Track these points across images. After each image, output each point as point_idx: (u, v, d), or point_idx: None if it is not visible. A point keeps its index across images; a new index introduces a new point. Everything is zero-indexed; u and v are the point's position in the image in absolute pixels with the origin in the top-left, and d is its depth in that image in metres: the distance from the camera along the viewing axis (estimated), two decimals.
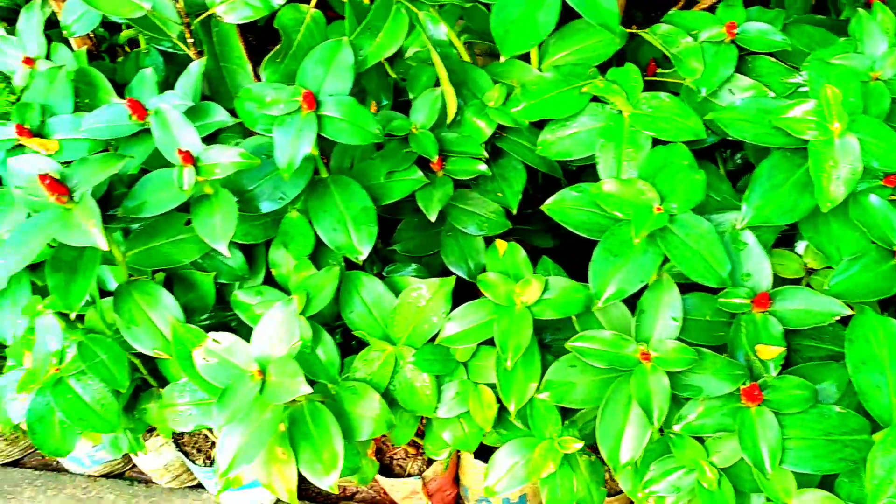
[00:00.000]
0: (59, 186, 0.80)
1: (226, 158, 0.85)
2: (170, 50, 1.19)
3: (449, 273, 1.10)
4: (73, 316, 0.91)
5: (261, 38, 1.42)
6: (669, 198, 0.85)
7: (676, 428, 0.86)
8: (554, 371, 0.89)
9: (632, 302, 0.89)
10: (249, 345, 0.84)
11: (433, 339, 0.97)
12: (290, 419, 0.89)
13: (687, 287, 0.89)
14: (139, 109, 0.94)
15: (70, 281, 0.85)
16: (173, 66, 1.20)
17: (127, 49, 1.31)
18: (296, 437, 0.88)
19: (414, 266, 1.09)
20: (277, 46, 0.98)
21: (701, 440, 0.88)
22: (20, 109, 0.98)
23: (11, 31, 1.27)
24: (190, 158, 0.85)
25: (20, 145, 0.96)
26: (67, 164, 0.85)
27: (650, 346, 0.85)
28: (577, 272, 0.95)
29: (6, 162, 0.96)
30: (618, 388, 0.87)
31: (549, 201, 0.88)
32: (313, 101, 0.89)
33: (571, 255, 1.18)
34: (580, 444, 0.95)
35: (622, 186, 0.86)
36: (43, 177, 0.79)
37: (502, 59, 0.87)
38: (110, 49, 1.28)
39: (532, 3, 0.89)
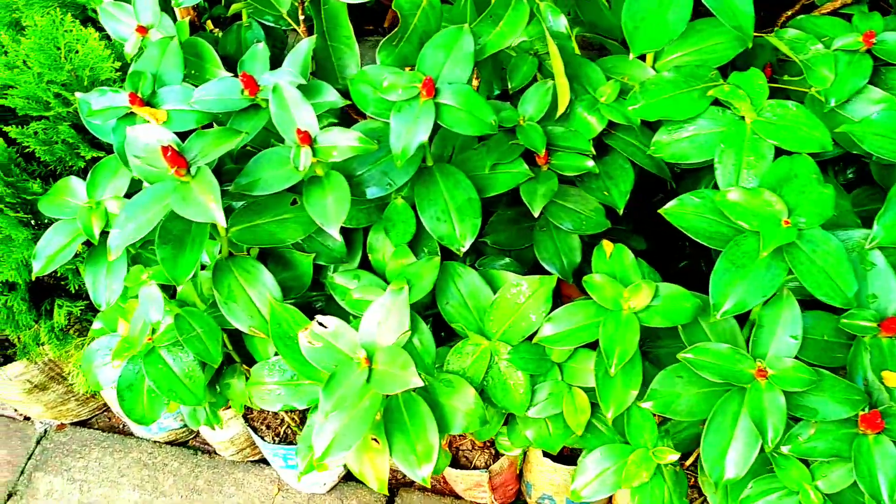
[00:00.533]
0: (180, 159, 0.79)
1: (344, 141, 0.84)
2: (271, 24, 1.18)
3: (540, 268, 1.08)
4: (180, 288, 0.91)
5: (357, 17, 1.41)
6: (796, 211, 0.82)
7: (784, 449, 0.83)
8: (660, 381, 0.87)
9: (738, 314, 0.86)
10: (356, 331, 0.83)
11: (530, 337, 0.95)
12: (384, 408, 0.88)
13: (804, 304, 0.86)
14: (252, 85, 0.93)
15: (178, 254, 0.84)
16: (269, 41, 1.19)
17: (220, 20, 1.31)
18: (390, 426, 0.88)
19: (507, 260, 1.08)
20: (395, 30, 0.96)
21: (807, 463, 0.85)
22: (133, 78, 0.97)
23: None
24: (308, 139, 0.84)
25: (131, 113, 0.96)
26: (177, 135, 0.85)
27: (766, 362, 0.82)
28: (666, 278, 0.93)
29: (117, 129, 0.97)
30: (727, 403, 0.84)
31: (668, 206, 0.85)
32: (433, 88, 0.87)
33: (661, 258, 1.15)
34: (676, 456, 0.92)
35: (748, 196, 0.82)
36: (165, 148, 0.79)
37: (631, 56, 0.84)
38: (212, 21, 1.28)
39: (664, 0, 0.86)
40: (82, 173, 1.19)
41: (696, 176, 1.12)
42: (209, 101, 0.94)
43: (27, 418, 1.67)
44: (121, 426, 1.65)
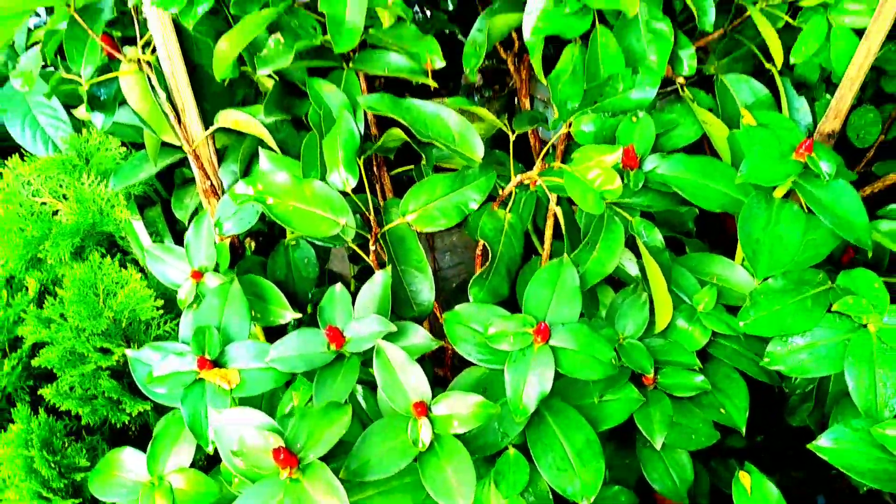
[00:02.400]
0: (292, 458, 0.69)
1: (464, 409, 0.75)
2: (318, 242, 1.11)
3: (646, 486, 0.99)
4: None
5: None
6: None
7: None
8: None
9: None
10: None
11: None
12: None
13: None
14: (338, 338, 0.85)
15: None
16: (318, 254, 1.12)
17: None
18: None
19: (615, 488, 0.98)
20: (485, 266, 0.90)
21: None
22: (197, 336, 0.88)
23: (146, 217, 1.21)
24: (424, 410, 0.75)
25: (200, 378, 0.86)
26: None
27: None
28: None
29: (187, 399, 0.86)
30: None
31: (821, 441, 0.78)
32: (547, 333, 0.80)
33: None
34: None
35: None
36: (277, 451, 0.68)
37: (756, 282, 0.79)
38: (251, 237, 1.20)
39: (778, 223, 0.83)
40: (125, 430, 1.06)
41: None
42: (289, 358, 0.85)
43: None
44: None
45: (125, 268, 1.10)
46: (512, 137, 1.03)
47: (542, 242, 1.07)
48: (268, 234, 1.21)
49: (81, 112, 1.11)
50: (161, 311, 1.06)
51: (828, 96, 1.11)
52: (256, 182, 0.89)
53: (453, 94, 1.28)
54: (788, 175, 0.83)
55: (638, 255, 0.94)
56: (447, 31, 1.14)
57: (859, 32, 0.91)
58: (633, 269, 0.97)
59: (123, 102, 1.04)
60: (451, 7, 1.08)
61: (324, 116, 0.94)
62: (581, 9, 0.89)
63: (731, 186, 0.89)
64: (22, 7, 0.91)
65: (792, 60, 0.94)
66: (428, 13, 1.13)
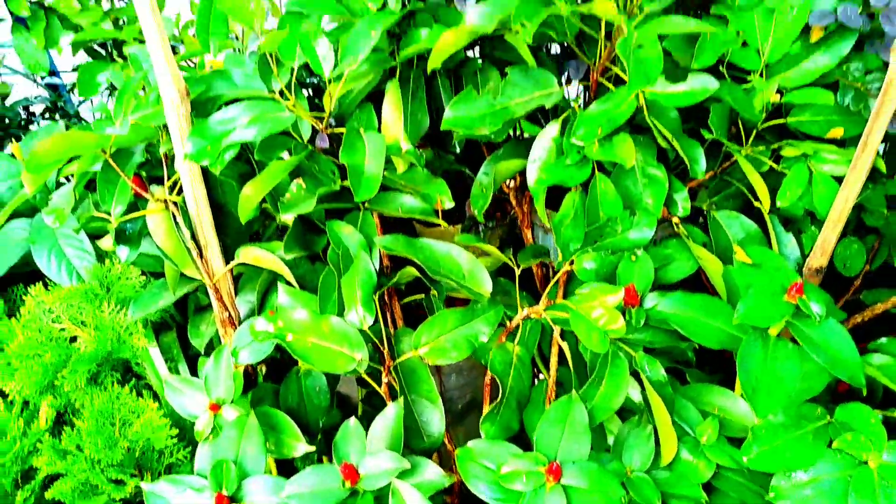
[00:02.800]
0: None
1: None
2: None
3: None
4: None
5: None
6: None
7: None
8: None
9: None
10: None
11: None
12: None
13: None
14: (353, 475, 0.87)
15: None
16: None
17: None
18: None
19: None
20: (497, 401, 0.93)
21: None
22: (215, 470, 0.90)
23: (162, 343, 1.24)
24: None
25: None
26: None
27: None
28: None
29: None
30: None
31: None
32: (559, 473, 0.82)
33: None
34: None
35: None
36: None
37: (757, 420, 0.83)
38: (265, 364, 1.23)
39: (775, 360, 0.87)
40: None
41: None
42: (305, 494, 0.87)
43: None
44: None
45: (140, 395, 1.12)
46: (517, 271, 1.09)
47: (546, 368, 1.10)
48: (279, 359, 1.24)
49: (107, 243, 1.16)
50: (175, 440, 1.08)
51: (814, 229, 1.18)
52: (276, 319, 0.94)
53: (459, 222, 1.35)
54: (782, 315, 0.88)
55: (640, 383, 0.97)
56: (454, 168, 1.21)
57: (839, 179, 0.99)
58: (636, 396, 1.00)
59: (147, 234, 1.10)
60: (458, 150, 1.16)
61: (342, 255, 1.00)
62: (581, 160, 0.96)
63: (728, 324, 0.94)
64: (60, 157, 0.97)
65: (778, 204, 1.01)
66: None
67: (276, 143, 1.01)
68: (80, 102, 1.84)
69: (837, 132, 1.01)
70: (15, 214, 1.27)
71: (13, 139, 1.64)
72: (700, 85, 0.89)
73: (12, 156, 1.27)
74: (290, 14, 1.02)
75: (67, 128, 1.27)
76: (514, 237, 1.42)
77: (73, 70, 1.61)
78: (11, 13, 1.37)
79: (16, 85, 1.72)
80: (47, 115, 1.77)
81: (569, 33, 1.01)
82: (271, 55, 1.00)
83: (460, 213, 1.45)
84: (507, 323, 1.05)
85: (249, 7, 1.00)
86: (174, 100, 0.94)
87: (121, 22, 1.45)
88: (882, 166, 0.98)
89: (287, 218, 0.99)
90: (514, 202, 1.27)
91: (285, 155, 1.02)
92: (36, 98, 1.75)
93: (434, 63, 0.92)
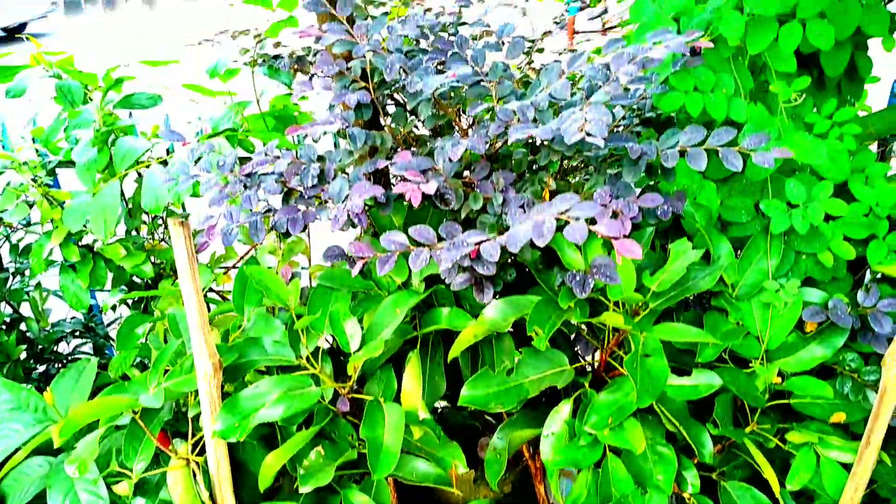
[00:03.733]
0: None
1: None
2: None
3: None
4: None
5: None
6: None
7: None
8: None
9: None
10: None
11: None
12: None
13: None
14: None
15: None
16: None
17: None
18: None
19: None
20: None
21: None
22: None
23: None
24: None
25: None
26: None
27: None
28: None
29: None
30: None
31: None
32: None
33: None
34: None
35: None
36: None
37: None
38: None
39: None
40: None
41: None
42: None
43: None
44: None
45: None
46: None
47: None
48: None
49: (122, 488, 1.17)
50: None
51: None
52: None
53: (473, 467, 1.36)
54: None
55: None
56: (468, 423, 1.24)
57: (846, 466, 1.01)
58: None
59: (165, 485, 1.11)
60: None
61: None
62: (593, 441, 0.99)
63: None
64: (92, 418, 1.02)
65: (789, 487, 1.02)
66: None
67: (301, 411, 1.05)
68: (110, 323, 1.92)
69: (840, 417, 1.05)
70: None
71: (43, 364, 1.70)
72: (706, 381, 0.94)
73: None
74: (320, 287, 1.11)
75: (97, 370, 1.32)
76: (526, 489, 1.42)
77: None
78: (65, 259, 1.47)
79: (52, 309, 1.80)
80: (77, 334, 1.84)
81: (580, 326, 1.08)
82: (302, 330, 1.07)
83: (475, 459, 1.47)
84: None
85: (283, 288, 1.08)
86: (208, 372, 1.00)
87: (158, 263, 1.55)
88: (887, 460, 1.01)
89: (306, 490, 1.01)
90: (527, 454, 1.29)
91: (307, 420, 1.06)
92: (72, 320, 1.83)
93: (455, 353, 0.98)
